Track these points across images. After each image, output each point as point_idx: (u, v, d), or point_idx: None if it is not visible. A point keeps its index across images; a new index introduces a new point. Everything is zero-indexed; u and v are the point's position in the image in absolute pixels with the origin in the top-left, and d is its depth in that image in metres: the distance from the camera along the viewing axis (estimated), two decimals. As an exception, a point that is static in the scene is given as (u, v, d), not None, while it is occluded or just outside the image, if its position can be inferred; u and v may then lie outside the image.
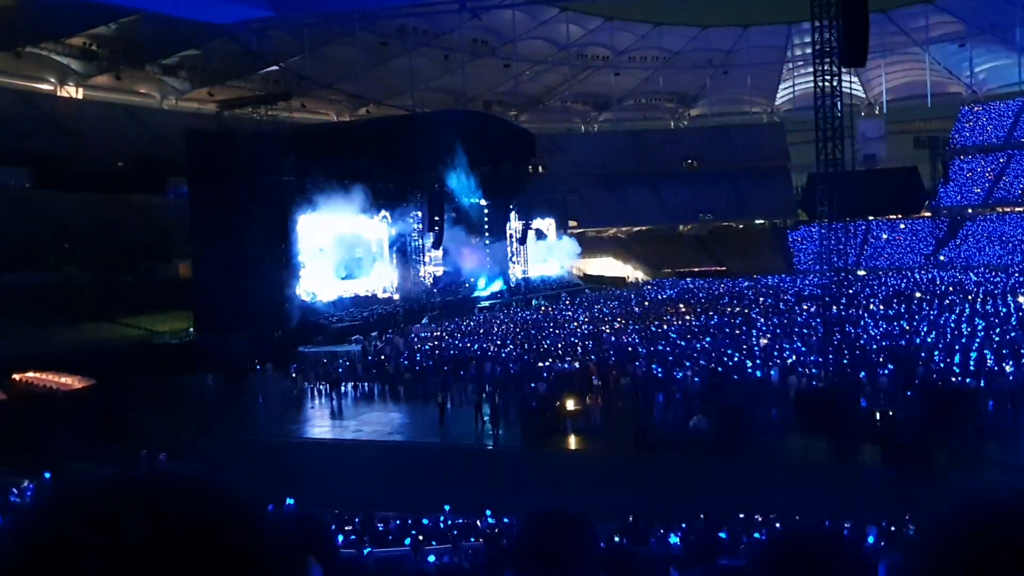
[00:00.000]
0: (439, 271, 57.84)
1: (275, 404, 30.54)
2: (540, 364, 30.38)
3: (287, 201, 42.85)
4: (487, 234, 62.29)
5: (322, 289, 46.38)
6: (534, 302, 60.00)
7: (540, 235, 72.71)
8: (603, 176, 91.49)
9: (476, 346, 36.20)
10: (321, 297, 46.04)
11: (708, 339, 34.46)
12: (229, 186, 39.71)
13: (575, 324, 43.28)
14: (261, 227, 40.59)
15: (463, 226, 59.06)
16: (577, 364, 29.98)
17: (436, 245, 55.01)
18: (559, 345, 35.24)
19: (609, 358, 31.16)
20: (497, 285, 62.57)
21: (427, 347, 37.11)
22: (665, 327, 39.52)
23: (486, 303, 57.70)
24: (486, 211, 61.77)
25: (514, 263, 65.67)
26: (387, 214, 52.17)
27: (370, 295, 50.98)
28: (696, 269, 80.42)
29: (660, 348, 32.71)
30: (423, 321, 47.86)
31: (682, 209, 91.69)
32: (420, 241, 53.03)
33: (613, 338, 36.58)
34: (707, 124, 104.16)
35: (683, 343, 33.75)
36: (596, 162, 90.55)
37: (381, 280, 52.38)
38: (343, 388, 30.94)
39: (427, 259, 54.45)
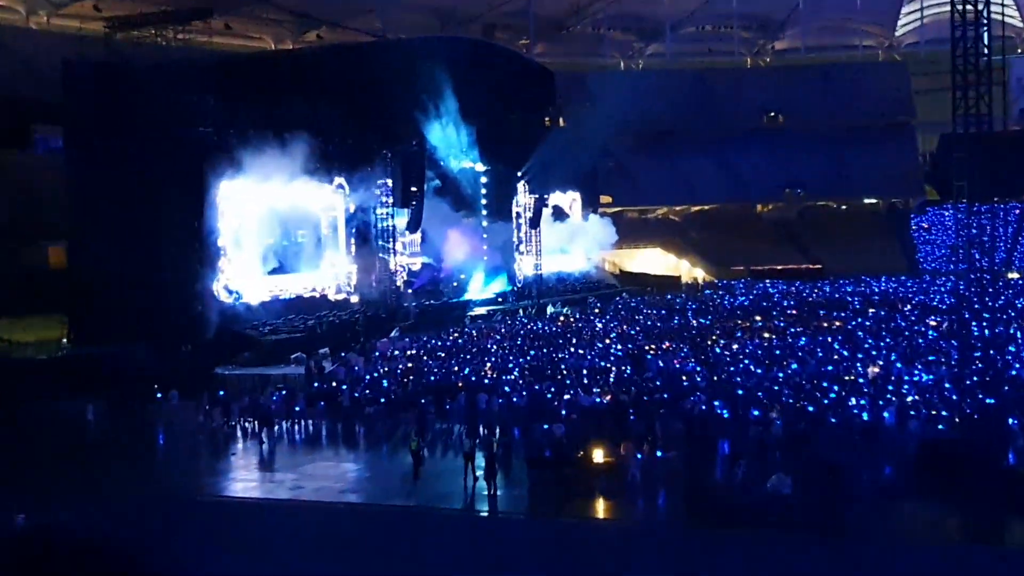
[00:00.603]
0: (416, 263, 58.09)
1: (182, 447, 30.51)
2: (557, 397, 30.35)
3: (203, 161, 43.02)
4: (485, 213, 62.68)
5: (251, 286, 46.53)
6: (550, 309, 60.25)
7: (559, 215, 72.95)
8: (650, 134, 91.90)
9: (467, 370, 36.11)
10: (249, 297, 46.20)
11: (795, 366, 34.35)
12: (121, 139, 39.76)
13: (607, 341, 43.23)
14: (166, 198, 40.72)
15: (450, 200, 59.52)
16: (609, 398, 29.93)
17: (413, 227, 55.18)
18: (584, 370, 35.18)
19: (654, 390, 31.11)
20: (498, 284, 63.00)
21: (398, 371, 37.07)
22: (734, 348, 39.44)
23: (482, 309, 57.98)
24: (484, 180, 62.15)
25: (522, 254, 65.95)
26: (343, 182, 52.42)
27: (318, 296, 51.19)
28: (779, 267, 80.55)
29: (726, 377, 32.63)
30: (392, 334, 47.97)
31: (760, 182, 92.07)
32: (390, 221, 53.24)
33: (660, 362, 36.47)
34: (797, 62, 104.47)
35: (759, 371, 33.63)
36: (640, 114, 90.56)
37: (333, 275, 52.60)
38: (278, 427, 30.93)
39: (399, 247, 54.57)
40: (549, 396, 30.65)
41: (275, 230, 48.73)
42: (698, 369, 34.71)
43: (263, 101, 46.23)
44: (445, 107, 55.07)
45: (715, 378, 32.66)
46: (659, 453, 24.26)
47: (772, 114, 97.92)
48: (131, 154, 40.18)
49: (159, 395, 34.85)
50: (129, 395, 34.70)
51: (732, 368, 34.58)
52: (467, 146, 58.81)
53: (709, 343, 41.42)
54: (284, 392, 34.37)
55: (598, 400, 29.71)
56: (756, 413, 26.71)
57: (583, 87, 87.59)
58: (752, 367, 34.50)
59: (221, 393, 34.48)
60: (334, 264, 52.75)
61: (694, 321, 50.34)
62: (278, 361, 40.33)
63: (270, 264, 48.47)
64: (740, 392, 29.54)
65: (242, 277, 45.90)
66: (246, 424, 31.55)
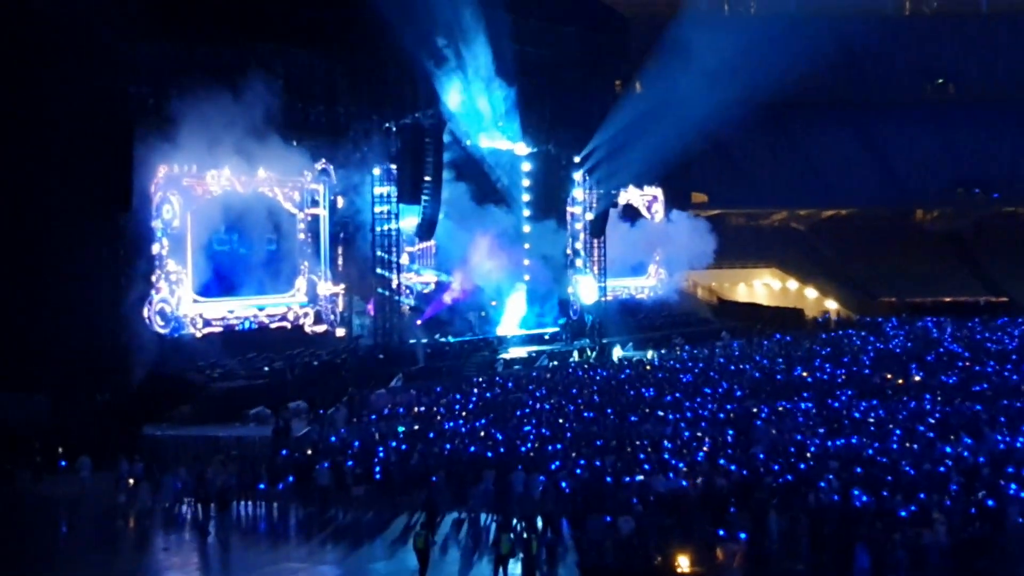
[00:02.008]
0: (429, 280, 58.12)
1: (92, 538, 30.45)
2: (625, 478, 30.13)
3: (133, 135, 43.11)
4: (528, 214, 62.93)
5: (196, 312, 46.85)
6: (618, 352, 60.09)
7: (633, 218, 72.83)
8: (765, 107, 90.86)
9: (498, 436, 36.09)
10: (193, 328, 46.49)
11: (967, 440, 34.09)
12: (14, 103, 39.93)
13: (698, 400, 42.97)
14: (78, 187, 40.74)
15: (477, 194, 59.66)
16: (699, 480, 29.76)
17: (425, 232, 55.24)
18: (664, 441, 34.98)
19: (765, 470, 30.88)
20: (544, 315, 62.92)
21: (399, 435, 37.09)
22: (881, 414, 39.10)
23: (520, 351, 58.02)
24: (527, 168, 62.46)
25: (580, 272, 65.82)
26: (327, 166, 52.72)
27: (289, 327, 51.42)
28: (947, 299, 79.82)
29: (868, 456, 32.42)
30: (393, 383, 47.90)
31: (921, 178, 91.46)
32: (392, 223, 53.45)
33: (774, 431, 36.26)
34: (975, 11, 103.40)
35: (915, 447, 33.35)
36: (751, 78, 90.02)
37: (311, 298, 52.76)
38: (232, 512, 30.97)
39: (404, 259, 54.73)
40: (613, 477, 30.42)
41: (232, 234, 49.04)
42: (828, 442, 34.45)
43: (217, 51, 46.56)
44: (473, 61, 55.28)
45: (854, 454, 32.37)
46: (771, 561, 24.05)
47: (939, 81, 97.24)
48: (28, 125, 40.33)
49: (63, 463, 34.97)
50: (20, 463, 34.82)
51: (877, 443, 34.28)
52: (504, 118, 58.97)
53: (844, 405, 41.07)
54: (240, 463, 34.38)
55: (684, 483, 29.48)
56: (913, 509, 26.47)
57: (670, 39, 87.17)
58: (907, 442, 34.20)
59: (149, 463, 34.37)
60: (313, 283, 52.91)
61: (823, 374, 50.00)
62: (232, 418, 40.42)
63: (224, 282, 48.75)
64: (889, 479, 29.28)
65: (185, 299, 46.13)
66: (185, 507, 31.55)
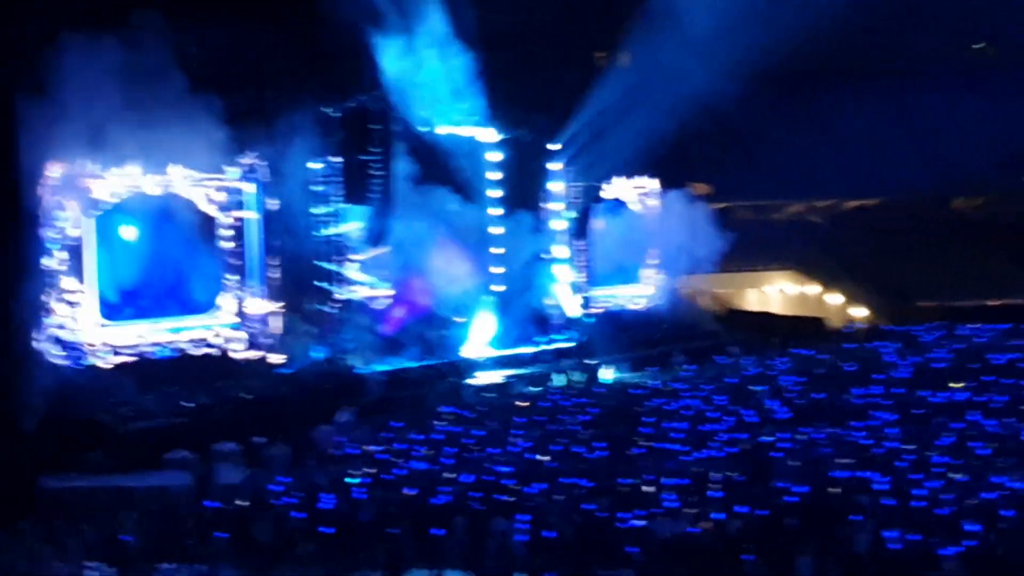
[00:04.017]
0: (383, 295, 58.19)
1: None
2: (622, 523, 30.20)
3: (10, 122, 42.86)
4: (496, 211, 63.10)
5: (103, 339, 46.78)
6: (609, 374, 60.24)
7: (616, 207, 72.86)
8: (775, 77, 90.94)
9: (469, 477, 36.07)
10: (99, 358, 46.40)
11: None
12: None
13: (705, 428, 43.06)
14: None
15: (433, 187, 59.61)
16: (709, 525, 29.83)
17: (375, 237, 55.18)
18: (667, 478, 35.03)
19: (787, 510, 30.96)
20: (520, 332, 62.83)
21: (351, 480, 36.99)
22: (922, 443, 39.21)
23: (493, 375, 58.06)
24: (497, 157, 62.57)
25: (560, 280, 65.72)
26: (256, 162, 52.52)
27: (216, 354, 51.38)
28: (994, 303, 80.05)
29: (907, 490, 32.51)
30: (341, 417, 47.76)
31: (961, 159, 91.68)
32: (336, 227, 53.75)
33: (796, 463, 36.38)
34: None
35: (960, 478, 33.55)
36: (758, 44, 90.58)
37: (240, 319, 52.74)
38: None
39: (352, 270, 54.69)
40: (608, 522, 30.49)
41: (143, 244, 49.02)
42: (860, 476, 34.49)
43: (119, 26, 46.04)
44: (427, 31, 55.35)
45: (888, 491, 32.45)
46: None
47: (981, 45, 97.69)
48: None
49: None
50: None
51: (915, 474, 34.45)
52: (467, 99, 58.91)
53: (876, 432, 41.20)
54: (158, 517, 34.21)
55: (691, 529, 29.60)
56: (956, 550, 26.63)
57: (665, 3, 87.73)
58: (947, 471, 34.46)
59: (50, 521, 34.17)
60: (242, 300, 52.89)
61: (851, 395, 50.14)
62: (148, 465, 40.09)
63: (134, 302, 48.63)
64: (930, 514, 29.39)
65: (87, 324, 45.96)
66: (92, 572, 31.29)
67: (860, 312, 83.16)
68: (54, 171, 44.90)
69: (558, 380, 58.20)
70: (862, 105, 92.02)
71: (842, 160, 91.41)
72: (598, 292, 68.17)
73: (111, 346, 47.15)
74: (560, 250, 66.44)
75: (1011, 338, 66.75)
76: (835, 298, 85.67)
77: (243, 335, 52.33)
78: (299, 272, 53.65)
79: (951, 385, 50.60)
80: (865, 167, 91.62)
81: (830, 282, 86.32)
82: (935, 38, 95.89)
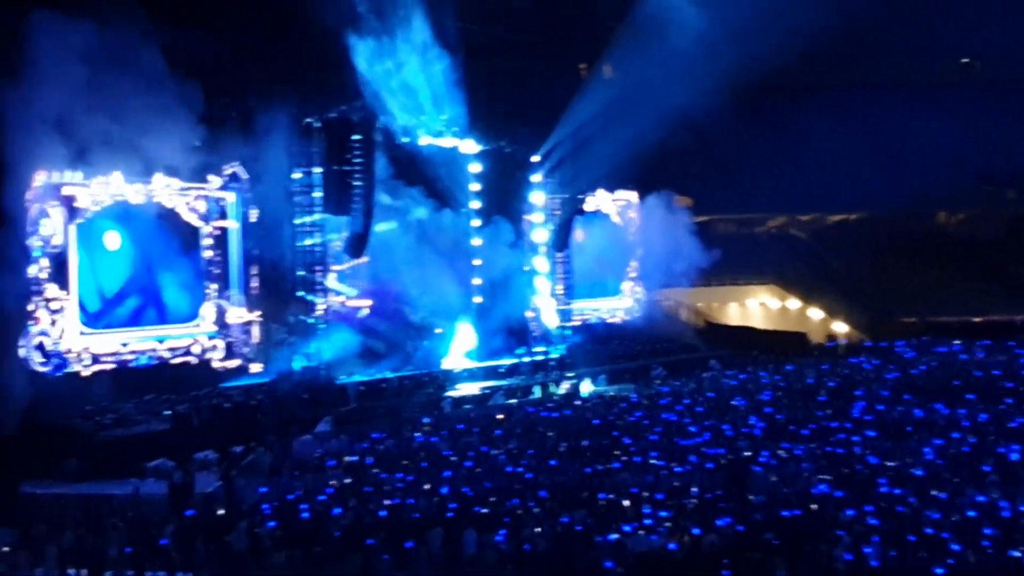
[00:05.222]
0: (362, 305, 58.36)
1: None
2: (597, 536, 30.20)
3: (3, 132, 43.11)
4: (478, 224, 63.26)
5: (82, 346, 46.80)
6: (587, 387, 60.29)
7: (597, 220, 72.86)
8: (757, 90, 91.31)
9: (445, 489, 36.07)
10: (79, 365, 46.43)
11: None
12: None
13: (684, 442, 43.05)
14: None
15: (413, 198, 59.84)
16: (686, 538, 29.92)
17: (355, 248, 55.26)
18: (644, 492, 35.09)
19: (765, 526, 31.05)
20: (499, 344, 63.06)
21: (328, 490, 37.09)
22: (902, 459, 39.33)
23: (471, 386, 58.09)
24: (477, 169, 62.71)
25: (540, 292, 65.76)
26: (238, 171, 52.76)
27: (195, 362, 51.51)
28: (977, 319, 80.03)
29: (886, 506, 32.55)
30: (320, 427, 47.71)
31: (943, 174, 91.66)
32: (317, 237, 53.64)
33: (774, 478, 36.46)
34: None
35: (943, 496, 33.50)
36: (740, 55, 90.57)
37: (219, 328, 52.88)
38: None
39: (331, 280, 54.91)
40: (585, 535, 30.49)
41: (125, 253, 49.15)
42: (839, 492, 34.62)
43: (103, 33, 45.96)
44: (409, 42, 55.49)
45: (868, 508, 32.50)
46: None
47: (963, 61, 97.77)
48: None
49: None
50: None
51: (893, 490, 34.52)
52: (447, 110, 59.12)
53: (857, 447, 41.22)
54: (135, 524, 34.03)
55: (667, 545, 29.59)
56: (938, 568, 26.69)
57: (643, 13, 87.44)
58: (928, 488, 34.46)
59: (26, 528, 34.04)
60: (222, 309, 53.04)
61: (831, 410, 50.27)
62: (126, 473, 39.85)
63: (115, 310, 48.69)
64: (910, 530, 29.50)
65: (69, 331, 46.06)
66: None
67: (841, 327, 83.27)
68: (38, 180, 44.95)
69: (536, 392, 58.25)
70: (845, 120, 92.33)
71: (825, 174, 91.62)
72: (578, 304, 68.22)
73: (92, 354, 47.16)
74: (540, 262, 66.43)
75: (993, 354, 66.96)
76: (816, 313, 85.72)
77: (222, 344, 52.49)
78: (279, 281, 53.71)
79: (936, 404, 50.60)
80: (848, 182, 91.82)
81: (811, 296, 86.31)
82: (919, 54, 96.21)
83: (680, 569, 27.88)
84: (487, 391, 57.50)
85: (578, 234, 69.47)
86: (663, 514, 32.19)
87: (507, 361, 62.25)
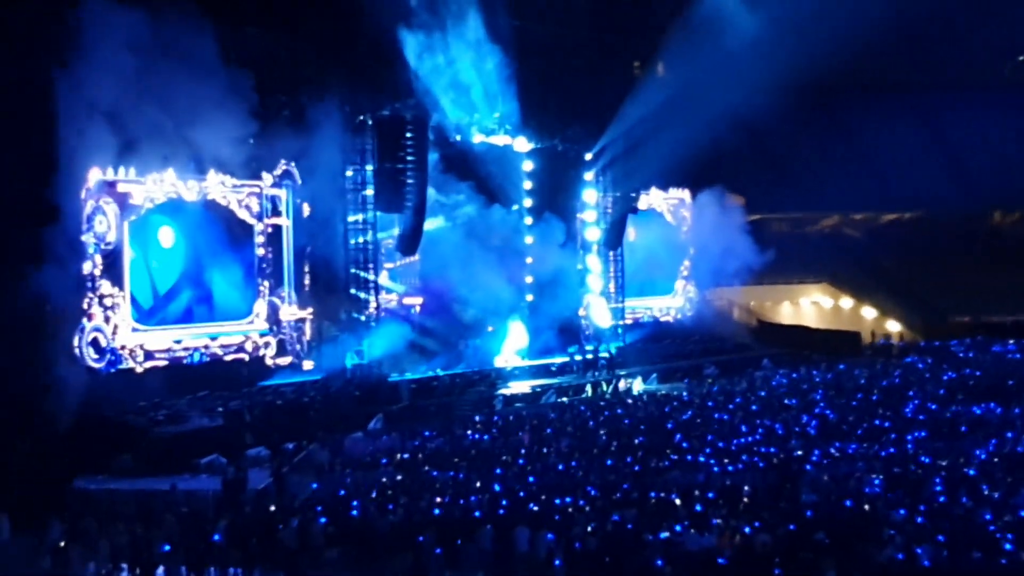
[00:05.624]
0: (414, 303, 58.58)
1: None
2: (649, 535, 29.97)
3: (53, 127, 43.00)
4: (529, 222, 63.28)
5: (137, 342, 46.99)
6: (639, 386, 60.22)
7: (650, 218, 72.64)
8: (812, 90, 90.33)
9: (496, 487, 36.05)
10: (133, 362, 46.59)
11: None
12: None
13: (735, 441, 42.82)
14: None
15: (467, 195, 59.94)
16: (737, 537, 29.62)
17: (408, 246, 55.13)
18: (696, 491, 34.89)
19: (816, 524, 30.72)
20: (550, 342, 62.99)
21: (380, 487, 36.96)
22: (955, 455, 39.01)
23: (523, 385, 58.09)
24: (529, 167, 62.78)
25: (593, 291, 65.66)
26: (290, 168, 52.83)
27: (247, 359, 51.62)
28: (1031, 319, 79.40)
29: (939, 507, 32.39)
30: (372, 425, 47.77)
31: (1003, 174, 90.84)
32: (368, 235, 53.62)
33: (826, 477, 36.15)
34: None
35: (996, 495, 33.12)
36: (795, 55, 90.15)
37: (272, 325, 52.99)
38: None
39: (384, 278, 54.91)
40: (635, 534, 30.31)
41: (178, 250, 49.30)
42: (892, 492, 34.33)
43: (158, 31, 46.08)
44: (463, 39, 55.49)
45: (920, 508, 32.17)
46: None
47: (1020, 59, 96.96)
48: None
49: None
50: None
51: (946, 490, 34.15)
52: (501, 108, 59.07)
53: (910, 447, 40.96)
54: (188, 520, 33.98)
55: (717, 545, 29.36)
56: (992, 568, 26.40)
57: (698, 11, 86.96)
58: (981, 487, 34.14)
59: (80, 522, 34.11)
60: (275, 306, 53.14)
61: (884, 409, 49.86)
62: (179, 469, 40.05)
63: (170, 306, 48.90)
64: (964, 530, 29.20)
65: (122, 328, 46.22)
66: (121, 574, 31.46)
67: (894, 326, 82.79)
68: (92, 177, 45.14)
69: (588, 391, 58.14)
70: (900, 119, 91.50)
71: (878, 174, 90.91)
72: (630, 303, 68.09)
73: (145, 350, 47.33)
74: (592, 260, 66.41)
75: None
76: (869, 312, 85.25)
77: (275, 341, 52.62)
78: (331, 279, 53.80)
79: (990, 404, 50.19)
80: (901, 181, 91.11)
81: (864, 296, 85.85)
82: (974, 52, 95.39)
83: (730, 568, 27.63)
84: (538, 389, 57.46)
85: (630, 232, 69.30)
86: (714, 513, 32.06)
87: (559, 359, 62.21)
